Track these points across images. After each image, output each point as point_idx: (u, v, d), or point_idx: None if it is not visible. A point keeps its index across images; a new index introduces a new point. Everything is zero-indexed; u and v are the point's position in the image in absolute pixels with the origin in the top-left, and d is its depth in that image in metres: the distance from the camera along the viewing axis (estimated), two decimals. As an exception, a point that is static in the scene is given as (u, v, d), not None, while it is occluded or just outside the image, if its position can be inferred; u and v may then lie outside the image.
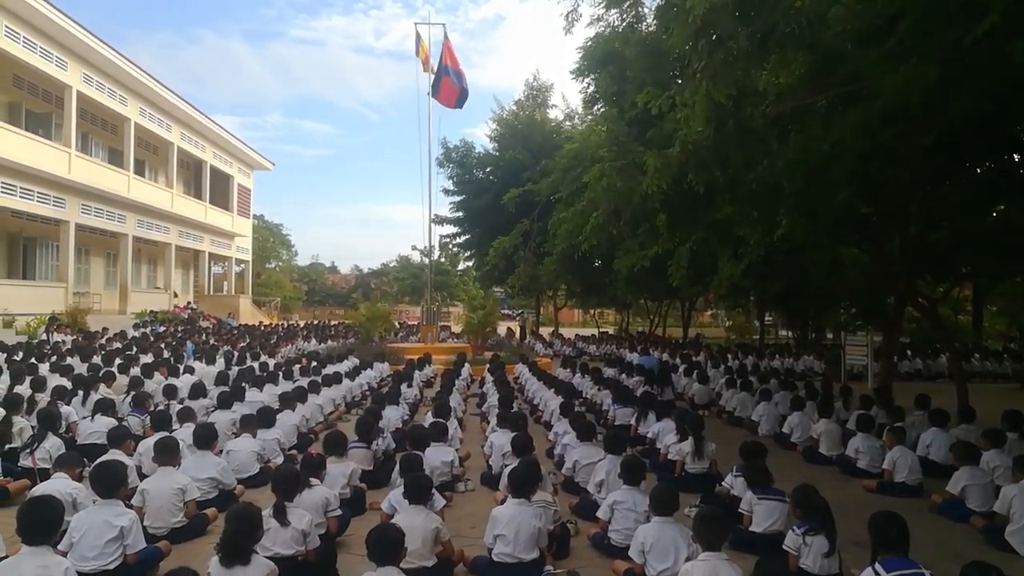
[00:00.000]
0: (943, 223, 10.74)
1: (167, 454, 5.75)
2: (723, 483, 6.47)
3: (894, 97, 6.17)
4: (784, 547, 4.64)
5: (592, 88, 13.65)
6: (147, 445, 6.70)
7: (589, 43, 12.17)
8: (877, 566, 3.70)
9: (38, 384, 9.45)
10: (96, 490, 4.85)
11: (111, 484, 4.83)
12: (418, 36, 23.45)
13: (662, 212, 9.64)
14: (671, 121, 7.20)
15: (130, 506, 5.18)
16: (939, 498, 6.55)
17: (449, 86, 22.58)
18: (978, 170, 10.05)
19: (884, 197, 9.66)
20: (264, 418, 7.79)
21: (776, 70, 6.82)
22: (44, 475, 6.24)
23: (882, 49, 6.17)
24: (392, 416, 8.94)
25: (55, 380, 10.01)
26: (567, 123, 28.79)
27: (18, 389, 9.26)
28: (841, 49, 6.46)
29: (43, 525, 3.94)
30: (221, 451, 7.16)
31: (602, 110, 15.17)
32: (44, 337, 18.21)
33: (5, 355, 13.24)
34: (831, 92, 6.78)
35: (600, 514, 5.41)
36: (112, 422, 7.81)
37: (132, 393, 9.34)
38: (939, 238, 10.86)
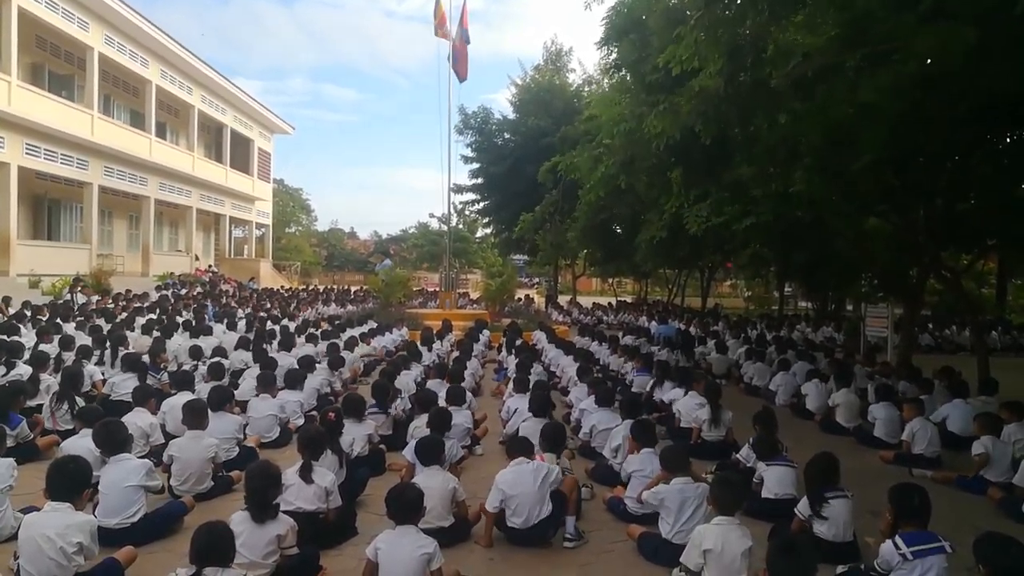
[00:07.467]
0: (971, 194, 10.51)
1: (196, 417, 5.77)
2: (738, 454, 6.45)
3: (929, 61, 5.99)
4: (796, 510, 4.66)
5: (614, 56, 13.36)
6: (171, 404, 6.83)
7: (613, 14, 11.89)
8: (897, 539, 3.69)
9: (65, 343, 9.64)
10: (101, 450, 4.87)
11: (114, 443, 4.88)
12: (437, -1, 23.01)
13: (677, 166, 9.46)
14: (690, 88, 7.05)
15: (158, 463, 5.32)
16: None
17: (464, 55, 22.36)
18: (1009, 140, 9.79)
19: (912, 166, 9.44)
20: (291, 380, 7.96)
21: (803, 31, 6.63)
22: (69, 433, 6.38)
23: (916, 12, 5.99)
24: (408, 380, 9.02)
25: (81, 339, 10.20)
26: (586, 88, 28.30)
27: (44, 347, 9.46)
28: (874, 11, 6.26)
29: (68, 484, 3.91)
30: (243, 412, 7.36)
31: (622, 76, 14.87)
32: (68, 297, 18.48)
33: (31, 314, 13.46)
34: (862, 51, 6.58)
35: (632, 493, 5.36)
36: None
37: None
38: (966, 209, 10.64)
